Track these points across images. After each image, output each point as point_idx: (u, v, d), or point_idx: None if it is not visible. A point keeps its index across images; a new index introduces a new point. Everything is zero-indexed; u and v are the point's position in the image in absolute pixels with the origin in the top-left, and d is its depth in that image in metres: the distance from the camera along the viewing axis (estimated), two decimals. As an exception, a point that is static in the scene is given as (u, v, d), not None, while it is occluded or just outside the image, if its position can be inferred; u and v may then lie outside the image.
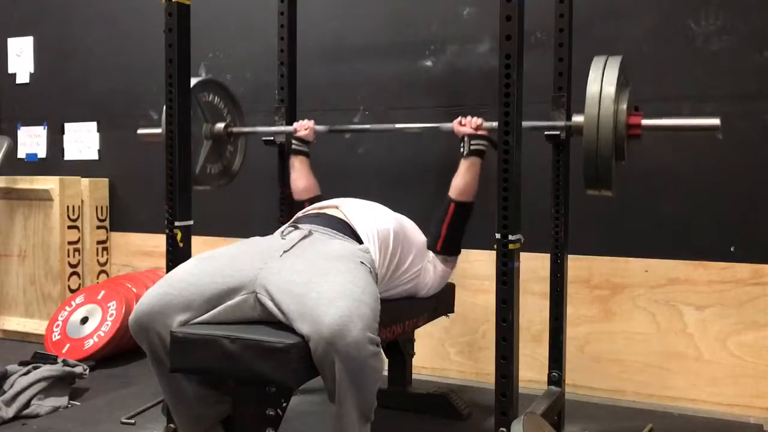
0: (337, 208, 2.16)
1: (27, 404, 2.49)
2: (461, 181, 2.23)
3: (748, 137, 2.56)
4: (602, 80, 1.96)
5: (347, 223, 2.08)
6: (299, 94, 2.80)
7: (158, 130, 2.52)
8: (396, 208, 2.31)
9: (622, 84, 2.01)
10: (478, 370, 2.95)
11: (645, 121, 2.02)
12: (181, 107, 2.22)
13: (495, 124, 2.14)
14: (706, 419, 2.54)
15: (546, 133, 2.28)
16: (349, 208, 2.15)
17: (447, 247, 2.28)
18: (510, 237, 1.84)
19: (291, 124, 2.75)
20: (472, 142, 2.23)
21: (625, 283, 2.72)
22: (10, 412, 2.44)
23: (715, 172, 2.60)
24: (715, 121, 1.97)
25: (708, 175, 2.61)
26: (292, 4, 2.75)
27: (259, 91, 3.31)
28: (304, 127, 2.58)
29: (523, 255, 1.91)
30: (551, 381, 2.38)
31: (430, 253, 2.28)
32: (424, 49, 3.03)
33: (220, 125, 2.62)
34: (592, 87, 1.96)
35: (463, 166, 2.24)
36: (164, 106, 2.23)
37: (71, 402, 2.62)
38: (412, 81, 3.07)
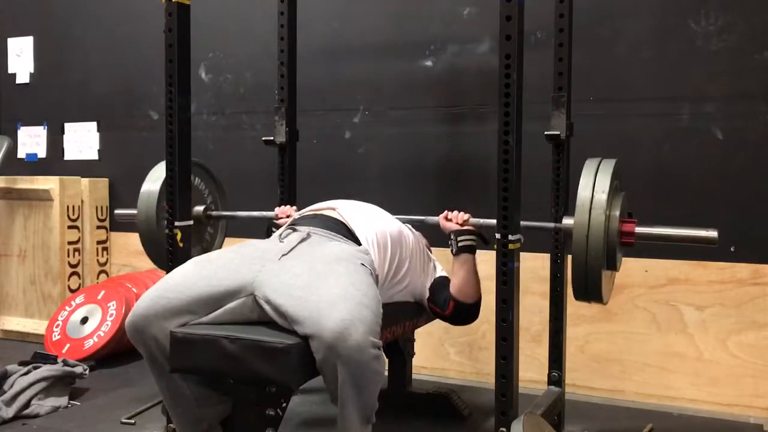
0: (334, 210, 2.15)
1: (27, 404, 2.49)
2: (457, 280, 2.16)
3: (748, 137, 2.56)
4: (594, 186, 1.88)
5: (345, 224, 2.07)
6: (299, 94, 2.80)
7: (134, 211, 2.53)
8: (396, 208, 2.31)
9: (615, 189, 1.94)
10: (478, 370, 2.95)
11: (639, 229, 1.95)
12: (181, 107, 2.22)
13: (482, 221, 2.17)
14: (706, 419, 2.54)
15: (546, 132, 2.29)
16: (347, 210, 2.14)
17: (434, 315, 2.27)
18: (510, 237, 1.84)
19: (291, 125, 2.76)
20: (459, 239, 2.16)
21: (625, 283, 2.71)
22: (10, 412, 2.44)
23: (715, 172, 2.60)
24: (713, 234, 1.90)
25: (708, 175, 2.61)
26: (292, 4, 2.75)
27: (259, 91, 3.31)
28: (285, 213, 2.48)
29: (523, 255, 1.91)
30: (551, 381, 2.38)
31: (427, 291, 2.25)
32: (424, 49, 3.03)
33: (199, 209, 2.59)
34: (583, 193, 1.89)
35: (456, 264, 2.16)
36: (165, 106, 2.24)
37: (71, 402, 2.62)
38: (412, 81, 3.07)
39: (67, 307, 3.28)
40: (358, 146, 3.16)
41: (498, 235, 1.85)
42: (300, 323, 1.62)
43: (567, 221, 2.04)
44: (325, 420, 2.46)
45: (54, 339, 3.17)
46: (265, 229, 2.53)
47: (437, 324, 2.59)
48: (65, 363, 2.67)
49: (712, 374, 2.60)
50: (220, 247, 2.75)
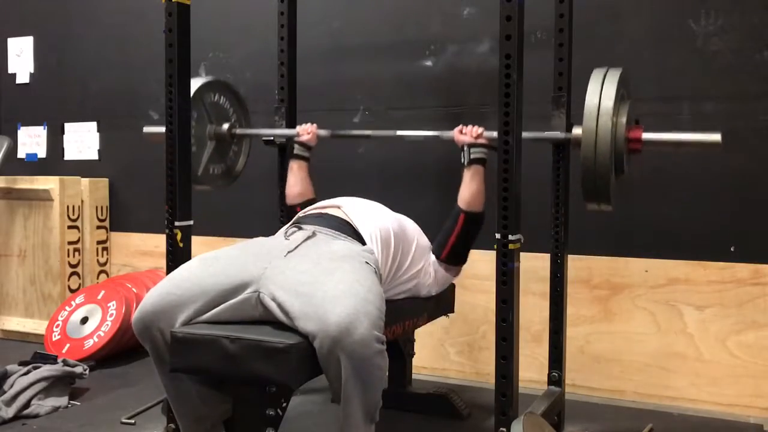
0: (339, 208, 2.16)
1: (27, 404, 2.49)
2: (467, 190, 2.22)
3: (748, 137, 2.56)
4: (601, 93, 1.93)
5: (350, 223, 2.08)
6: (299, 94, 2.80)
7: (163, 129, 2.52)
8: (396, 207, 2.31)
9: (621, 97, 1.97)
10: (478, 370, 2.95)
11: (645, 135, 2.00)
12: (181, 107, 2.22)
13: (495, 133, 2.16)
14: (706, 419, 2.54)
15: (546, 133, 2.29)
16: (351, 208, 2.16)
17: (452, 257, 2.28)
18: (510, 237, 1.84)
19: (291, 125, 2.76)
20: (472, 150, 2.23)
21: (625, 283, 2.72)
22: (10, 412, 2.44)
23: (715, 172, 2.60)
24: (716, 137, 1.96)
25: (708, 175, 2.61)
26: (292, 4, 2.75)
27: (259, 91, 3.30)
28: (306, 131, 2.57)
29: (523, 255, 1.91)
30: (551, 381, 2.38)
31: (432, 257, 2.28)
32: (424, 49, 3.03)
33: (224, 126, 2.62)
34: (591, 100, 1.94)
35: (467, 175, 2.23)
36: (165, 105, 2.23)
37: (71, 402, 2.62)
38: (412, 81, 3.07)
39: (67, 307, 3.28)
40: (358, 146, 3.16)
41: (498, 235, 1.85)
42: (305, 319, 1.62)
43: (576, 130, 2.06)
44: (325, 420, 2.46)
45: (54, 339, 3.17)
46: (264, 227, 2.53)
47: (437, 324, 2.60)
48: (65, 363, 2.67)
49: (712, 374, 2.60)
50: (243, 168, 2.78)
